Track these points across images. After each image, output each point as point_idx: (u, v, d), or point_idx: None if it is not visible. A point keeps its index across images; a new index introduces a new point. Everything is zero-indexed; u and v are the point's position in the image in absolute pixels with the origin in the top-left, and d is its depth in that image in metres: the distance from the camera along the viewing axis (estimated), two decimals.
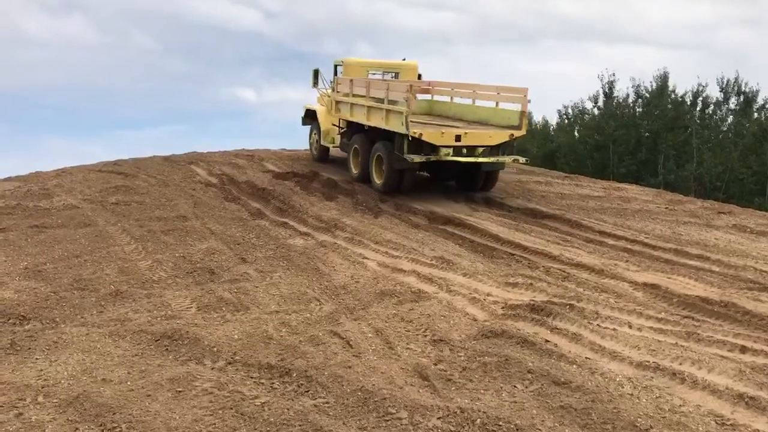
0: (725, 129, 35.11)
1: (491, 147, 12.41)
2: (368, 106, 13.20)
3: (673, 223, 11.47)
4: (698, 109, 35.27)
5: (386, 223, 10.92)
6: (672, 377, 5.21)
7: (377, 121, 12.86)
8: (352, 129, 14.47)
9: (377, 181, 13.12)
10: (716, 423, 4.55)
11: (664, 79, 35.35)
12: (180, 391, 5.03)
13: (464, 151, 12.16)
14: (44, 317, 6.69)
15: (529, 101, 12.30)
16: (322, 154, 16.53)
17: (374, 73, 15.45)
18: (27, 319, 6.63)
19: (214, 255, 8.89)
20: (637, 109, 35.99)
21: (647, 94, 35.67)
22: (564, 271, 8.24)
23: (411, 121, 11.93)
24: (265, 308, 7.02)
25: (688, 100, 35.16)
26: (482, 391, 5.02)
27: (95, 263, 8.50)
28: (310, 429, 4.45)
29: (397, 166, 12.45)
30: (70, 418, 4.65)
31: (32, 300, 7.10)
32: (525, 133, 12.82)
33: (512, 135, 12.41)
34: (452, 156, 12.07)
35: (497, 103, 13.35)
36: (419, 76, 15.76)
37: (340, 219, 11.05)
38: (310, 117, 16.93)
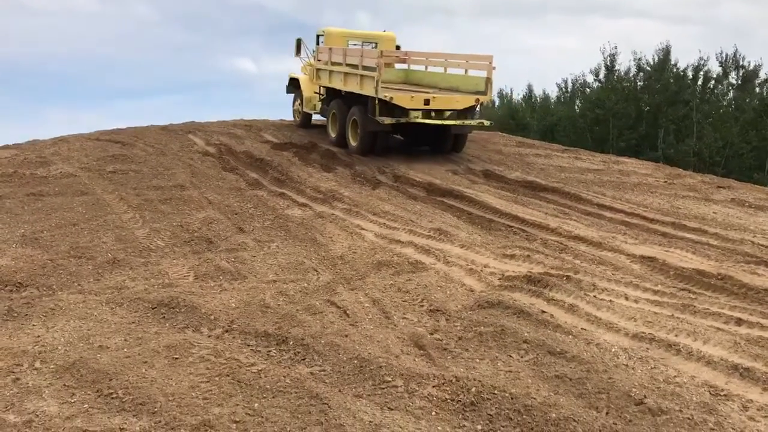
0: (726, 104, 34.91)
1: (458, 111, 13.24)
2: (345, 73, 13.93)
3: (672, 196, 11.45)
4: (699, 83, 35.04)
5: (384, 194, 10.89)
6: (667, 348, 5.23)
7: (353, 87, 13.63)
8: (330, 95, 15.29)
9: (353, 143, 13.90)
10: (710, 393, 4.57)
11: (665, 53, 35.08)
12: (177, 358, 5.04)
13: (433, 114, 13.05)
14: (41, 284, 6.69)
15: (494, 68, 13.06)
16: (304, 120, 17.21)
17: (354, 44, 15.95)
18: (24, 286, 6.63)
19: (212, 224, 8.88)
20: (638, 83, 35.75)
21: (648, 68, 35.42)
22: (562, 244, 8.24)
23: (383, 86, 12.73)
24: (262, 277, 7.02)
25: (689, 74, 34.92)
26: (478, 361, 5.04)
27: (92, 231, 8.48)
28: (306, 396, 4.46)
29: (370, 129, 13.25)
30: (66, 384, 4.67)
31: (29, 267, 7.10)
32: (490, 98, 13.77)
33: (478, 99, 13.28)
34: (421, 118, 12.90)
35: (466, 71, 14.08)
36: (398, 47, 16.35)
37: (338, 190, 11.02)
38: (293, 85, 17.55)
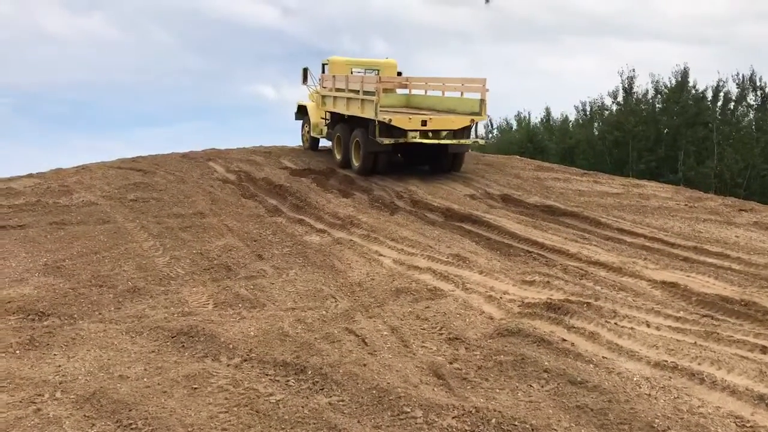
0: (746, 125, 34.63)
1: (455, 131, 14.02)
2: (348, 98, 14.82)
3: (693, 220, 11.33)
4: (719, 104, 34.82)
5: (402, 220, 10.89)
6: (690, 377, 5.14)
7: (355, 110, 14.47)
8: (335, 119, 16.16)
9: (356, 163, 14.61)
10: (736, 425, 4.48)
11: (684, 74, 34.96)
12: (196, 388, 5.05)
13: (430, 134, 13.83)
14: (63, 313, 6.76)
15: (488, 90, 13.90)
16: (312, 145, 18.10)
17: (358, 71, 16.79)
18: (46, 315, 6.71)
19: (231, 252, 8.93)
20: (657, 105, 35.61)
21: (666, 90, 35.28)
22: (582, 269, 8.17)
23: (383, 110, 13.61)
24: (281, 305, 7.03)
25: (708, 96, 34.72)
26: (498, 391, 4.99)
27: (113, 260, 8.57)
28: (324, 427, 4.44)
29: (371, 149, 14.00)
30: (87, 414, 4.69)
31: (51, 296, 7.18)
32: (485, 118, 14.31)
33: (473, 120, 14.07)
34: (419, 139, 13.69)
35: (462, 94, 14.88)
36: (399, 73, 17.24)
37: (356, 216, 11.04)
38: (301, 112, 18.50)
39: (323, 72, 17.23)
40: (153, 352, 5.81)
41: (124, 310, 6.90)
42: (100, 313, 6.82)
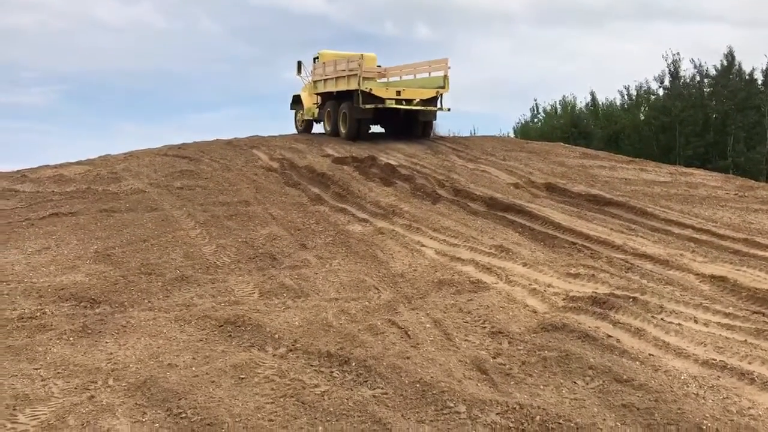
0: None
1: (424, 100, 17.65)
2: (336, 78, 18.51)
3: (743, 210, 11.06)
4: None
5: (444, 209, 10.87)
6: (740, 377, 5.03)
7: (342, 86, 18.14)
8: (325, 99, 19.82)
9: (343, 131, 18.21)
10: None
11: (730, 57, 33.83)
12: (243, 378, 5.14)
13: (404, 102, 17.42)
14: (113, 301, 6.94)
15: (449, 68, 17.51)
16: (306, 127, 21.55)
17: None
18: (97, 302, 6.90)
19: (275, 241, 9.04)
20: (705, 90, 34.60)
21: (714, 73, 34.20)
22: (627, 262, 8.05)
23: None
24: (324, 295, 7.10)
25: (759, 78, 33.56)
26: (542, 387, 4.97)
27: (161, 248, 8.75)
28: (369, 420, 4.49)
29: (355, 116, 17.56)
30: (138, 402, 4.82)
31: (102, 284, 7.38)
32: (448, 90, 17.77)
33: (438, 91, 17.75)
34: (395, 105, 17.24)
35: (430, 73, 18.00)
36: (378, 66, 20.05)
37: (398, 205, 11.05)
38: (296, 102, 22.01)
39: (314, 63, 20.62)
40: (201, 340, 5.93)
41: (172, 299, 7.06)
42: (149, 302, 6.99)
